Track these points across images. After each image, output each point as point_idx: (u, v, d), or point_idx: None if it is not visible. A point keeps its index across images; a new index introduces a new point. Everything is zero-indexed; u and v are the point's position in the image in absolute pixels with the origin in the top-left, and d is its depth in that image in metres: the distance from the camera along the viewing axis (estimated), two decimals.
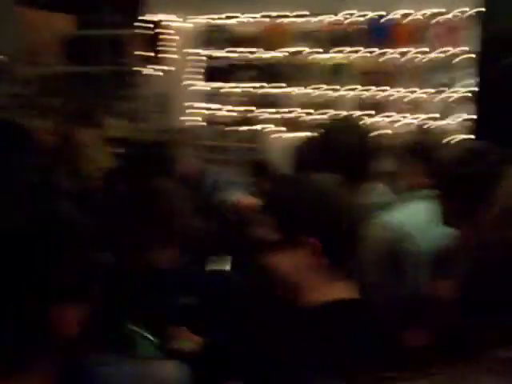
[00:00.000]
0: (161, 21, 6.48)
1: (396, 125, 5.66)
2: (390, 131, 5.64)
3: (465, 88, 5.35)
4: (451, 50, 5.38)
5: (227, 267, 2.90)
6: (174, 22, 6.50)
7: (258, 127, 6.30)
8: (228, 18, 6.26)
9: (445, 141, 2.53)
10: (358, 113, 5.73)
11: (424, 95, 5.56)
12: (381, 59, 5.68)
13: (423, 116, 5.55)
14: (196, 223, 1.95)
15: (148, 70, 6.61)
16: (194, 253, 1.97)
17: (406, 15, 5.52)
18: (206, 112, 6.54)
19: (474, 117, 5.07)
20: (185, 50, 6.52)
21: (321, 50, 5.92)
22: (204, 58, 6.50)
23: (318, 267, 1.42)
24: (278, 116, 6.20)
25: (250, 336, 1.59)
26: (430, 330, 1.72)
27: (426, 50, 5.48)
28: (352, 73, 5.87)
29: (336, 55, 5.87)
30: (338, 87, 5.88)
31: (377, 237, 1.65)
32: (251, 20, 6.18)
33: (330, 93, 5.94)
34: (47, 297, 0.85)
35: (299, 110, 6.09)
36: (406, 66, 5.62)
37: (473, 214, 1.46)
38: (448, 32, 5.41)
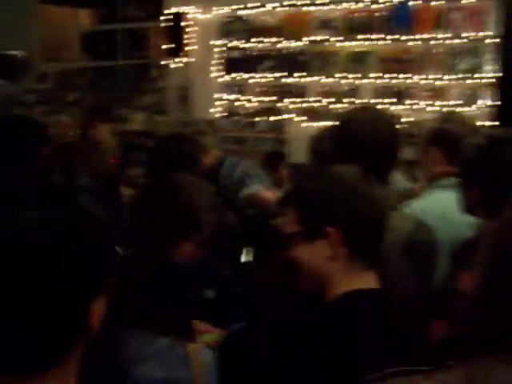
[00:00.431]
0: (182, 13, 6.48)
1: (418, 112, 5.59)
2: (412, 119, 5.58)
3: (489, 74, 5.26)
4: (474, 35, 5.30)
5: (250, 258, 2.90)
6: (194, 14, 6.49)
7: (280, 117, 6.28)
8: (248, 8, 6.24)
9: (468, 128, 2.49)
10: (379, 101, 5.68)
11: (447, 82, 5.49)
12: (402, 46, 5.62)
13: (446, 103, 5.48)
14: (219, 217, 1.95)
15: (170, 63, 6.63)
16: (215, 246, 1.96)
17: (426, 1, 5.44)
18: (228, 103, 6.53)
19: (499, 103, 4.99)
20: (206, 42, 6.51)
21: (342, 38, 5.88)
22: (225, 48, 6.48)
23: (338, 258, 1.41)
24: (300, 106, 6.17)
25: (270, 327, 1.58)
26: (451, 321, 1.70)
27: (449, 35, 5.40)
28: (374, 61, 5.82)
29: (357, 43, 5.82)
30: (360, 75, 5.82)
31: (396, 227, 1.63)
32: (271, 9, 6.15)
33: (352, 81, 5.89)
34: (87, 290, 0.87)
35: (320, 99, 6.06)
36: (429, 52, 5.55)
37: (494, 202, 1.43)
38: (471, 17, 5.32)
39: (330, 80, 5.99)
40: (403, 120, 5.53)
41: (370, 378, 0.94)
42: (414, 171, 4.68)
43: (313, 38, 6.01)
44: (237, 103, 6.50)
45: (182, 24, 6.47)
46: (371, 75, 5.77)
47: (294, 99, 6.19)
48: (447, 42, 5.43)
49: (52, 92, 7.25)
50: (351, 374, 1.14)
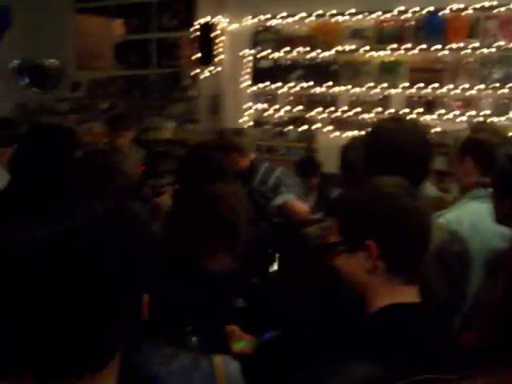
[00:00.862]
0: (212, 23, 6.54)
1: (449, 123, 5.56)
2: (442, 129, 5.55)
3: None
4: (507, 44, 5.25)
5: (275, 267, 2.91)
6: (225, 24, 6.55)
7: (308, 127, 6.28)
8: (278, 17, 6.27)
9: (501, 138, 2.47)
10: (408, 111, 5.66)
11: (479, 92, 5.45)
12: (432, 56, 5.59)
13: (477, 113, 5.44)
14: (254, 229, 1.96)
15: (200, 72, 6.69)
16: (247, 255, 1.98)
17: (458, 10, 5.42)
18: (258, 112, 6.56)
19: None
20: (236, 51, 6.56)
21: (372, 48, 5.87)
22: (255, 58, 6.52)
23: (376, 271, 1.41)
24: (330, 115, 6.17)
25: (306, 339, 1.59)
26: (480, 332, 1.69)
27: (481, 45, 5.36)
28: (404, 70, 5.79)
29: (388, 53, 5.81)
30: (390, 85, 5.81)
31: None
32: (301, 19, 6.17)
33: (382, 91, 5.87)
34: (140, 284, 0.87)
35: (350, 108, 6.05)
36: (461, 62, 5.52)
37: None
38: (504, 26, 5.28)
39: (360, 90, 5.98)
40: (433, 130, 5.49)
41: None
42: (444, 181, 4.66)
43: (343, 47, 6.01)
44: (266, 113, 6.52)
45: (213, 34, 6.53)
46: (401, 85, 5.75)
47: (323, 109, 6.19)
48: (479, 51, 5.39)
49: (85, 100, 7.36)
50: None
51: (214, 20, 6.55)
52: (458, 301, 1.81)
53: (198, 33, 6.61)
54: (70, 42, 7.43)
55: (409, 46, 5.67)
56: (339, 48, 6.03)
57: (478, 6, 5.33)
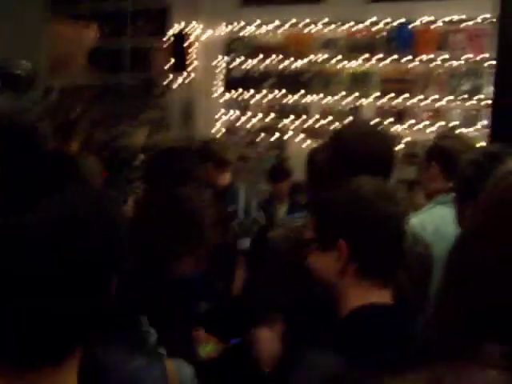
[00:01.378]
0: (185, 31, 6.55)
1: (419, 133, 5.63)
2: (410, 139, 5.62)
3: (489, 95, 5.31)
4: (474, 57, 5.36)
5: None
6: (198, 32, 6.57)
7: (282, 136, 6.32)
8: (251, 26, 6.31)
9: (465, 145, 2.52)
10: (379, 120, 5.72)
11: (448, 103, 5.54)
12: (403, 67, 5.68)
13: (447, 123, 5.53)
14: (217, 232, 1.96)
15: (173, 80, 6.69)
16: (211, 260, 1.98)
17: (428, 23, 5.51)
18: (230, 121, 6.58)
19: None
20: (209, 60, 6.58)
21: (343, 58, 5.94)
22: (228, 66, 6.54)
23: (346, 273, 1.42)
24: (301, 124, 6.22)
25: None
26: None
27: (450, 57, 5.46)
28: (375, 81, 5.87)
29: (359, 63, 5.88)
30: (361, 95, 5.87)
31: None
32: (274, 28, 6.22)
33: (353, 100, 5.94)
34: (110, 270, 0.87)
35: (321, 118, 6.10)
36: (430, 73, 5.61)
37: None
38: (470, 39, 5.39)
39: (332, 99, 6.04)
40: (404, 140, 5.57)
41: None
42: (414, 191, 4.72)
43: (316, 57, 6.07)
44: (239, 121, 6.54)
45: (186, 42, 6.55)
46: (373, 95, 5.82)
47: (295, 118, 6.24)
48: (448, 63, 5.49)
49: (57, 106, 7.30)
50: None
51: (187, 28, 6.56)
52: (420, 301, 1.83)
53: (172, 40, 6.62)
54: (44, 48, 7.37)
55: (380, 56, 5.75)
56: (312, 57, 6.09)
57: (447, 19, 5.43)
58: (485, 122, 5.33)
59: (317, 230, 1.49)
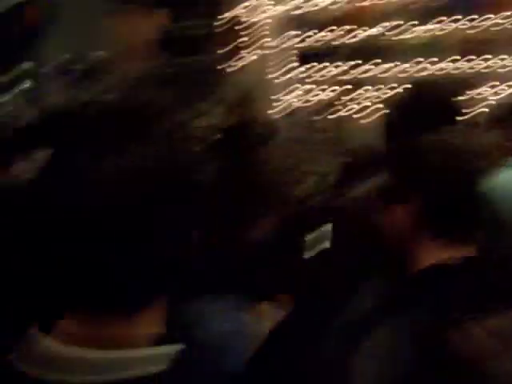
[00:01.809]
0: (248, 8, 6.51)
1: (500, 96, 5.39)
2: (494, 103, 5.38)
3: None
4: None
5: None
6: (266, 7, 6.49)
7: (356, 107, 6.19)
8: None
9: None
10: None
11: None
12: (483, 27, 5.41)
13: None
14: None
15: (239, 59, 6.67)
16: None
17: None
18: (304, 94, 6.48)
19: None
20: (277, 35, 6.51)
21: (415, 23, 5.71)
22: (295, 41, 6.45)
23: (417, 227, 1.36)
24: (376, 95, 6.07)
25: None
26: None
27: None
28: (451, 44, 5.64)
29: (431, 27, 5.65)
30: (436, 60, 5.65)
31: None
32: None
33: (429, 67, 5.72)
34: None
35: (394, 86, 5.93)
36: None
37: None
38: None
39: (407, 66, 5.84)
40: (486, 104, 5.33)
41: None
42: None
43: (389, 24, 5.86)
44: (311, 95, 6.43)
45: (251, 20, 6.49)
46: (448, 59, 5.59)
47: (371, 88, 6.07)
48: None
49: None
50: None
51: (256, 3, 6.50)
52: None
53: (237, 19, 6.58)
54: (115, 36, 7.50)
55: (457, 17, 5.49)
56: (383, 26, 5.88)
57: None
58: None
59: (392, 181, 1.42)
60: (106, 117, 0.90)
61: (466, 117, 2.20)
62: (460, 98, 1.90)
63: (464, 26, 5.49)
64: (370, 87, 6.06)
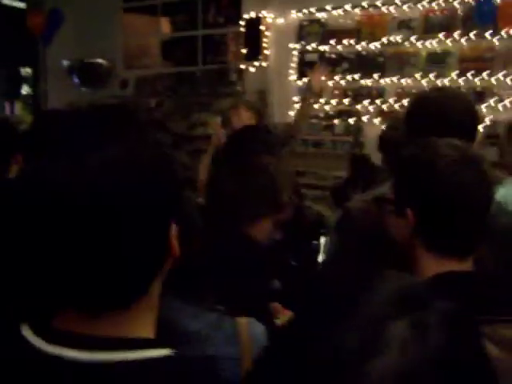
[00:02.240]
0: (259, 17, 6.55)
1: (499, 113, 5.40)
2: (492, 119, 5.40)
3: None
4: None
5: None
6: (271, 18, 6.54)
7: (357, 120, 6.21)
8: (325, 10, 6.23)
9: None
10: None
11: None
12: (483, 44, 5.45)
13: None
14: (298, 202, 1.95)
15: (246, 67, 6.71)
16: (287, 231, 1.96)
17: None
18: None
19: None
20: (283, 45, 6.55)
21: (416, 38, 5.76)
22: (302, 51, 6.48)
23: (413, 240, 1.38)
24: (378, 107, 6.09)
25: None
26: None
27: None
28: (451, 60, 5.67)
29: (434, 42, 5.69)
30: (435, 75, 5.68)
31: None
32: (348, 11, 6.11)
33: (432, 80, 5.74)
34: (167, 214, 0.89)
35: (393, 100, 5.95)
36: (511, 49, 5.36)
37: None
38: None
39: (409, 81, 5.87)
40: (485, 120, 5.35)
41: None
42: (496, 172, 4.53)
43: (390, 39, 5.92)
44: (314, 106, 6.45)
45: (260, 28, 6.54)
46: (450, 75, 5.61)
47: (371, 101, 6.11)
48: None
49: (133, 98, 7.48)
50: None
51: (260, 15, 6.55)
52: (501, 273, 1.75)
53: (244, 28, 6.63)
54: (118, 41, 7.57)
55: (458, 33, 5.53)
56: (386, 39, 5.94)
57: None
58: None
59: (393, 192, 1.44)
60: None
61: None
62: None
63: (463, 43, 5.53)
64: (368, 100, 6.09)
